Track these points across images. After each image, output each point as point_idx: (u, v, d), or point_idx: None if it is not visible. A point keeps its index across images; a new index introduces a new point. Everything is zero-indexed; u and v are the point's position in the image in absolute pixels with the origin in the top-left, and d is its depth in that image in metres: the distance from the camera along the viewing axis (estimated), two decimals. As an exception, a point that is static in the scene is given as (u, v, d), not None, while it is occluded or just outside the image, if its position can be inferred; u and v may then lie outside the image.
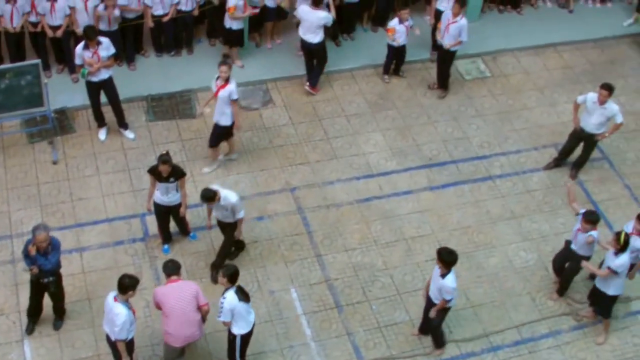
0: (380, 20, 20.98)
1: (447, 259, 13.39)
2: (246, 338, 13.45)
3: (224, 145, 17.27)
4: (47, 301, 14.28)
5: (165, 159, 14.52)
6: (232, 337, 13.38)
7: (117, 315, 12.54)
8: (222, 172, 17.32)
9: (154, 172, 14.80)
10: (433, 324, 14.37)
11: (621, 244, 14.06)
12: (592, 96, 16.82)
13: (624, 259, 14.15)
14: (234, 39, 19.16)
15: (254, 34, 19.87)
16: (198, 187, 16.26)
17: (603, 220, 16.30)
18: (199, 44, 20.10)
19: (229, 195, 14.53)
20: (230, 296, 12.91)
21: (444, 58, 19.20)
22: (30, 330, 14.44)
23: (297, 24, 18.81)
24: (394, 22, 19.09)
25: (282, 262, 15.94)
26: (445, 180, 17.77)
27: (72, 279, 15.18)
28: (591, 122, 17.00)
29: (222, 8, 18.95)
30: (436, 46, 19.63)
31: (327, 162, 17.85)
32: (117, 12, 18.07)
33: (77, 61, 16.77)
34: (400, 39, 19.15)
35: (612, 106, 16.80)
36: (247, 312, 13.27)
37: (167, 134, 17.93)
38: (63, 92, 18.32)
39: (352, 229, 16.64)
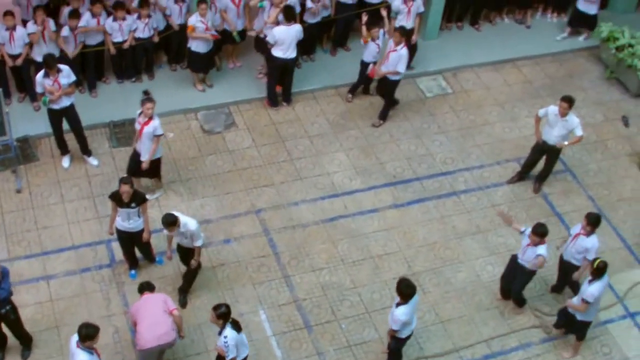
0: (339, 42, 21.04)
1: (404, 291, 13.36)
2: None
3: (146, 180, 17.21)
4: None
5: (125, 179, 14.53)
6: None
7: None
8: (187, 196, 17.28)
9: (115, 197, 14.75)
10: (391, 347, 14.37)
11: (593, 270, 14.11)
12: (553, 109, 16.96)
13: (597, 288, 14.12)
14: (198, 63, 19.16)
15: (215, 57, 19.84)
16: (163, 211, 16.21)
17: (567, 233, 16.37)
18: (160, 69, 20.05)
19: (188, 223, 14.48)
20: (230, 333, 12.97)
21: (384, 89, 19.09)
22: (-1, 360, 14.36)
23: (271, 47, 18.73)
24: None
25: (249, 284, 15.91)
26: (410, 198, 17.83)
27: (39, 307, 15.09)
28: (553, 135, 17.14)
29: (183, 32, 18.98)
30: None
31: (291, 183, 17.86)
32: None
33: (38, 89, 16.67)
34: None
35: (573, 119, 16.94)
36: (244, 339, 13.37)
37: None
38: (25, 120, 18.21)
39: (318, 249, 16.64)
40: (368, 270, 16.37)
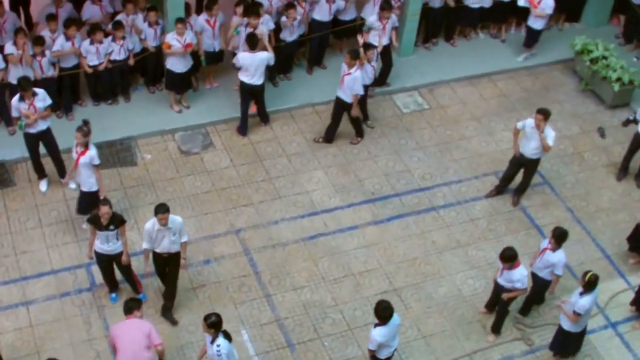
0: (315, 60, 21.06)
1: (382, 313, 13.34)
2: None
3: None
4: None
5: (103, 201, 14.53)
6: None
7: None
8: (166, 217, 17.24)
9: (93, 220, 14.70)
10: None
11: (585, 284, 14.14)
12: (530, 122, 17.03)
13: (588, 301, 14.18)
14: (174, 82, 19.15)
15: (191, 78, 19.83)
16: (142, 233, 16.16)
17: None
18: (137, 92, 20.01)
19: (175, 218, 14.68)
20: (223, 342, 12.98)
21: (348, 112, 18.95)
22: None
23: (238, 69, 18.73)
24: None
25: (231, 304, 15.86)
26: (390, 214, 17.84)
27: (19, 333, 14.99)
28: (530, 148, 17.20)
29: (159, 54, 19.00)
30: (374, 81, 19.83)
31: (270, 202, 17.84)
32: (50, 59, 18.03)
33: (14, 114, 16.62)
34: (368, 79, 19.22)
35: (550, 132, 17.00)
36: (234, 351, 13.34)
37: (109, 182, 17.76)
38: (1, 145, 18.14)
39: (299, 267, 16.62)
40: (349, 287, 16.35)
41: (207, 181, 18.14)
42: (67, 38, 18.18)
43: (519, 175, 18.01)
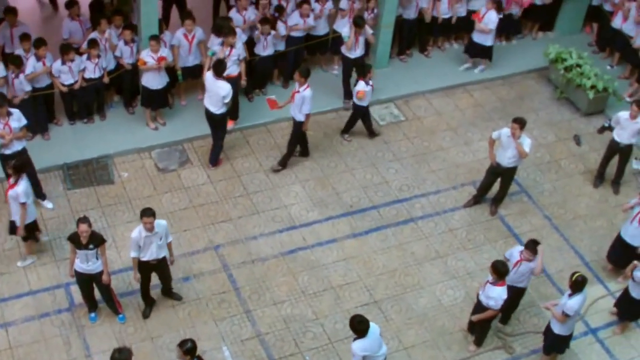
0: (291, 75, 20.96)
1: (357, 327, 13.31)
2: None
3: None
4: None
5: (82, 219, 14.42)
6: None
7: None
8: (144, 235, 17.18)
9: (73, 239, 14.62)
10: None
11: (572, 284, 14.19)
12: (506, 131, 17.08)
13: (577, 302, 14.22)
14: (149, 98, 19.10)
15: (167, 94, 19.78)
16: (121, 252, 16.18)
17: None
18: (112, 109, 19.95)
19: (160, 222, 14.75)
20: None
21: (293, 127, 18.82)
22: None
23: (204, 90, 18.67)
24: (361, 85, 19.04)
25: (211, 320, 15.82)
26: (368, 226, 17.84)
27: (-2, 355, 14.93)
28: (507, 157, 17.25)
29: (135, 71, 18.98)
30: (349, 94, 19.90)
31: (249, 217, 17.81)
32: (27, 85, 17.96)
33: (-13, 134, 16.55)
34: (367, 99, 19.30)
35: (525, 139, 17.06)
36: None
37: (86, 201, 17.73)
38: (-24, 167, 18.05)
39: (279, 282, 16.59)
40: (329, 300, 16.34)
41: (184, 198, 18.10)
42: (38, 58, 18.10)
43: (496, 185, 18.05)
